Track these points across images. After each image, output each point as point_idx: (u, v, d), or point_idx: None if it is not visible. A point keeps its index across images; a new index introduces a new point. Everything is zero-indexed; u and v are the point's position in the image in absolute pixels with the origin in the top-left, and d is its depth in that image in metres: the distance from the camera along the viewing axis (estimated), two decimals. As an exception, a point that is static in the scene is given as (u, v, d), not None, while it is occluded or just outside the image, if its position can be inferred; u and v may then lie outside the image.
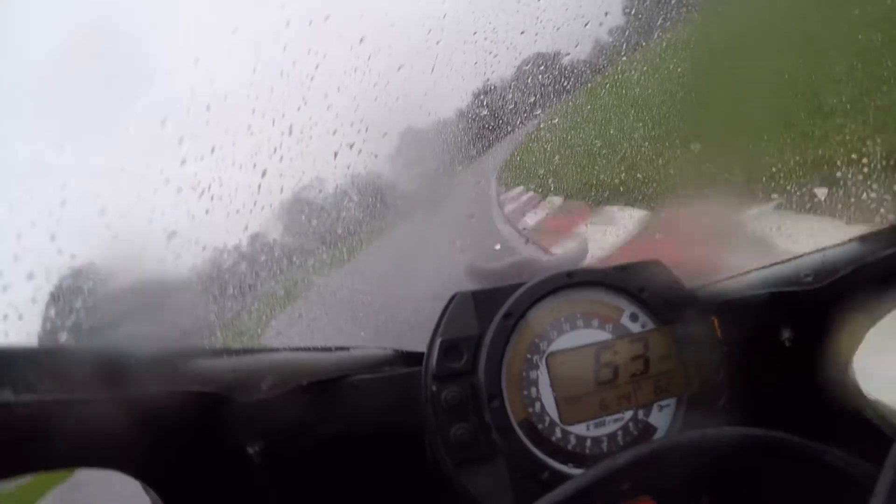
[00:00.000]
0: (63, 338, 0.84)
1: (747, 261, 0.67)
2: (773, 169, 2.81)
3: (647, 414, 0.54)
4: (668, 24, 5.94)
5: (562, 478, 0.49)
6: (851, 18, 4.14)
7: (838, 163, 2.48)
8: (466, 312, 0.56)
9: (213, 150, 1.42)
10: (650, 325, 0.56)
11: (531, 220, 5.15)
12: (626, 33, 5.64)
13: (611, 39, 5.68)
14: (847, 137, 2.77)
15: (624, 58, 5.92)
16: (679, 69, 5.54)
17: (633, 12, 5.90)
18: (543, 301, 0.56)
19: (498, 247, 4.24)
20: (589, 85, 6.20)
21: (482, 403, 0.52)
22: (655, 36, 6.09)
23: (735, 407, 0.54)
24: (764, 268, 0.64)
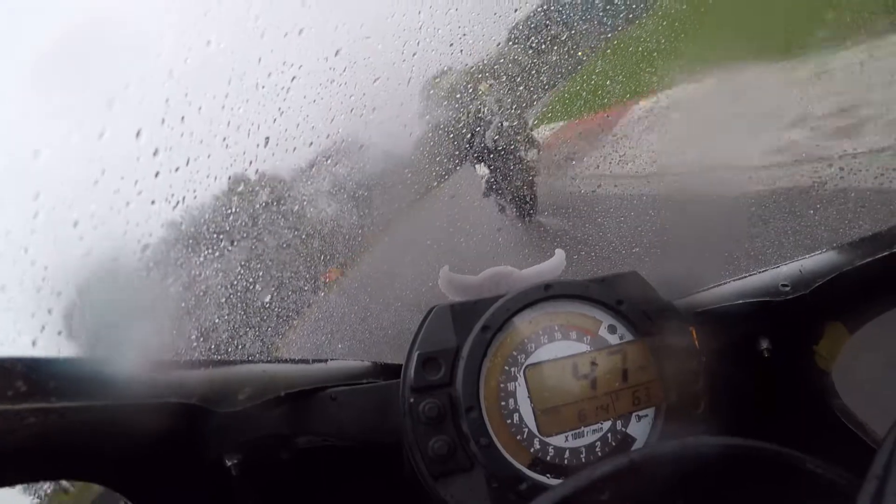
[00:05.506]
0: (36, 348, 0.83)
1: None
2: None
3: (626, 424, 0.54)
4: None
5: (540, 489, 0.49)
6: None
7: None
8: (444, 325, 0.56)
9: (187, 162, 1.42)
10: (628, 337, 0.56)
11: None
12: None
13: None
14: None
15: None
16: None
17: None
18: (521, 313, 0.55)
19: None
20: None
21: (460, 415, 0.51)
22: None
23: (714, 417, 0.54)
24: (742, 277, 0.64)
